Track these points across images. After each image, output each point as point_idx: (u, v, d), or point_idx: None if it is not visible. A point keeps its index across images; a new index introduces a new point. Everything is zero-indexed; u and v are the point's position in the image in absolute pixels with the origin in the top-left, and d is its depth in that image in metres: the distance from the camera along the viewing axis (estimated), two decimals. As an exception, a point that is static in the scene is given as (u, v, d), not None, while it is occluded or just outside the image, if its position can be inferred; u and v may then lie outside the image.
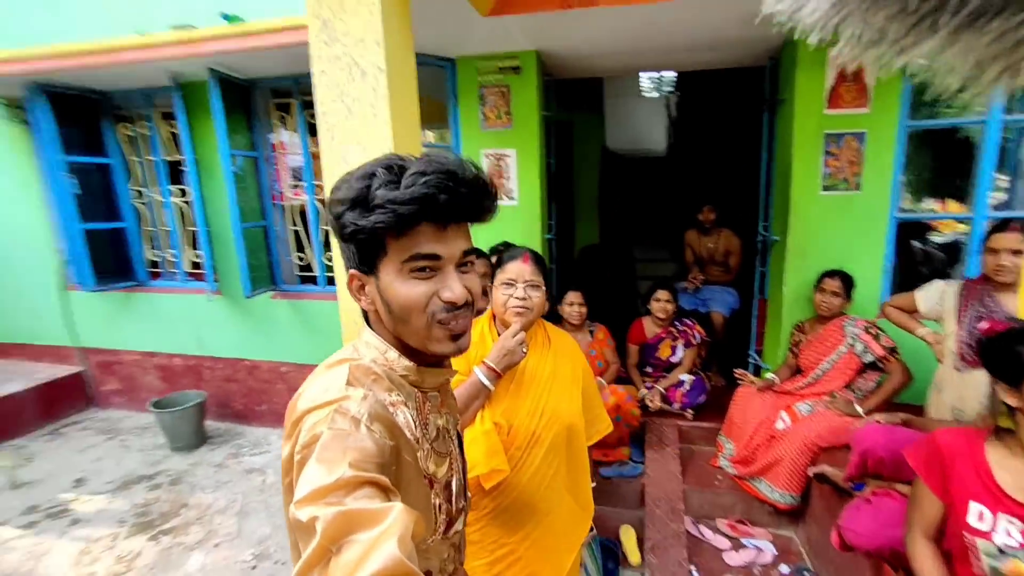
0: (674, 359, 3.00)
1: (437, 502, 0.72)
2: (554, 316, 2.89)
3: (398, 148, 1.34)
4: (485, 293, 1.50)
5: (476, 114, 2.87)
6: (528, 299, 1.32)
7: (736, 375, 2.62)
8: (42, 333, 4.10)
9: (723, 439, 2.73)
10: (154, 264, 3.82)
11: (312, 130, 3.19)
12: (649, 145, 8.36)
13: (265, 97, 3.24)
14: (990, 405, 1.31)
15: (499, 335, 1.39)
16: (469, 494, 0.87)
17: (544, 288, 1.37)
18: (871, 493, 1.67)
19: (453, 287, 0.66)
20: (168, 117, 3.45)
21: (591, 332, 2.91)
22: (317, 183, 3.24)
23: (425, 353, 0.70)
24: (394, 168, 0.62)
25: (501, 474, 1.29)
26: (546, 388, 1.36)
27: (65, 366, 4.06)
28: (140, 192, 3.70)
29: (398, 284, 0.65)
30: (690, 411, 2.92)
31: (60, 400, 3.92)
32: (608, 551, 2.30)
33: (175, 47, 2.62)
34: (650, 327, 3.08)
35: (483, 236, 2.95)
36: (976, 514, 1.17)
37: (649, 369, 3.12)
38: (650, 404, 2.88)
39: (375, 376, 0.67)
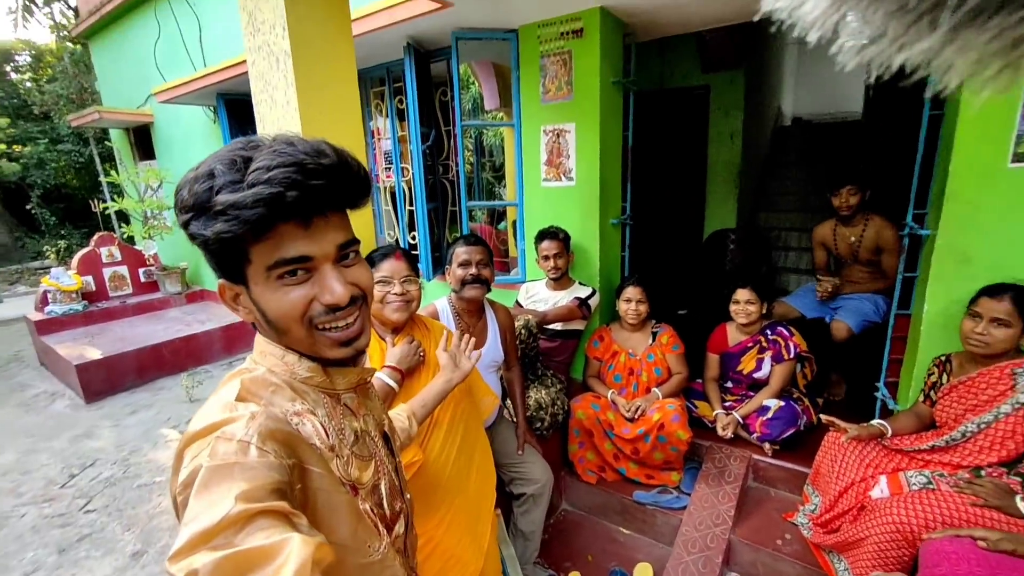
0: (758, 375, 2.41)
1: (366, 506, 0.67)
2: (614, 314, 2.58)
3: (310, 135, 1.31)
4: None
5: (537, 87, 2.65)
6: (407, 293, 1.37)
7: (824, 421, 1.97)
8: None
9: (810, 490, 2.12)
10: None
11: (400, 115, 3.37)
12: (841, 108, 6.81)
13: (366, 86, 3.51)
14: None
15: (377, 332, 1.43)
16: (408, 495, 0.81)
17: (419, 280, 1.42)
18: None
19: (333, 288, 0.59)
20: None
21: (654, 334, 2.52)
22: (403, 165, 3.42)
23: (316, 355, 0.65)
24: (237, 162, 0.54)
25: (415, 464, 1.32)
26: (434, 374, 1.38)
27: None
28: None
29: (268, 294, 0.59)
30: (769, 445, 2.33)
31: (239, 339, 5.02)
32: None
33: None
34: (734, 333, 2.52)
35: (536, 219, 2.77)
36: None
37: (730, 384, 2.57)
38: (721, 431, 2.38)
39: (274, 387, 0.61)
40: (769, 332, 2.42)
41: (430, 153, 3.09)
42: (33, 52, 12.24)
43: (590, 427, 2.42)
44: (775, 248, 4.73)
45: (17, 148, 10.79)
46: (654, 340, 2.52)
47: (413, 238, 3.49)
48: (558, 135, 2.62)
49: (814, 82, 6.70)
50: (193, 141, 5.28)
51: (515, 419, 2.09)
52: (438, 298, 1.96)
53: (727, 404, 2.54)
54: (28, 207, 11.81)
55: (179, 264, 6.03)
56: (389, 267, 1.39)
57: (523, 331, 2.30)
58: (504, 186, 7.78)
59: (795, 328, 2.44)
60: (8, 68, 12.24)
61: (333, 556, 0.47)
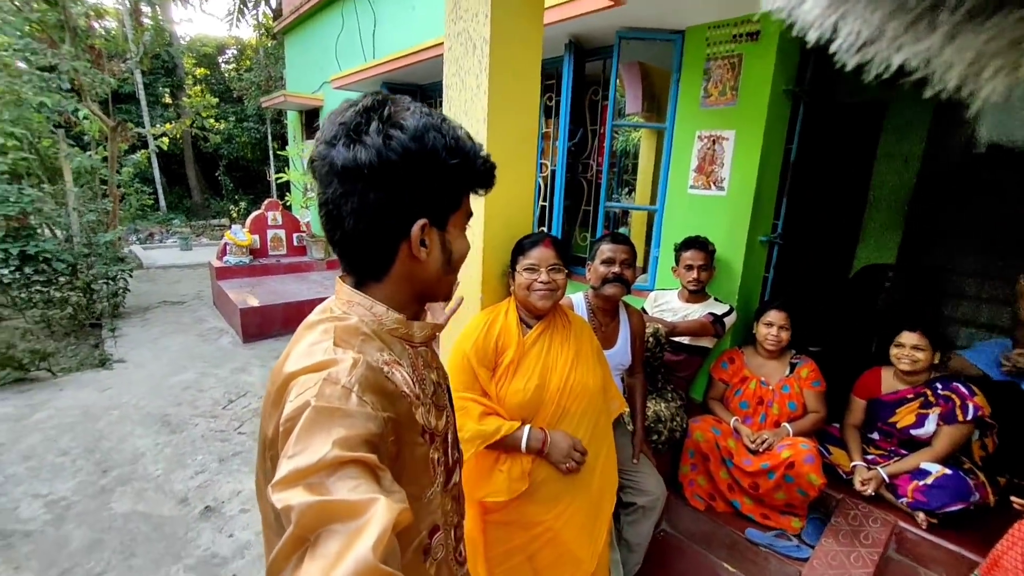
0: (917, 432, 2.10)
1: (436, 456, 0.72)
2: (749, 336, 2.41)
3: (493, 119, 1.39)
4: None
5: (698, 90, 2.54)
6: (552, 281, 1.39)
7: (1015, 504, 1.64)
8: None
9: (976, 579, 1.79)
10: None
11: (547, 112, 3.45)
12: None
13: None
14: None
15: (520, 318, 1.46)
16: (461, 447, 0.89)
17: (565, 271, 1.42)
18: None
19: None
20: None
21: (792, 365, 2.32)
22: (543, 161, 3.51)
23: (436, 298, 0.78)
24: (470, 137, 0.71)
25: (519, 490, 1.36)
26: (572, 366, 1.40)
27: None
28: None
29: (460, 237, 0.75)
30: (924, 516, 2.01)
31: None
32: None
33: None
34: (890, 380, 2.22)
35: (677, 227, 2.67)
36: None
37: (876, 436, 2.26)
38: (860, 486, 2.11)
39: (364, 336, 0.65)
40: (940, 386, 2.09)
41: (574, 151, 3.13)
42: (239, 47, 14.61)
43: (707, 451, 2.28)
44: (946, 294, 4.06)
45: (217, 124, 12.99)
46: (792, 372, 2.31)
47: (541, 233, 3.56)
48: (714, 141, 2.50)
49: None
50: (354, 126, 5.90)
51: (631, 426, 2.04)
52: (573, 293, 1.97)
53: (869, 457, 2.24)
54: (216, 174, 14.12)
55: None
56: (538, 255, 1.42)
57: (651, 339, 2.24)
58: (625, 191, 7.64)
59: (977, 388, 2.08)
60: (220, 60, 14.75)
61: (411, 519, 0.49)
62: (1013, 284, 2.42)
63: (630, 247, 1.79)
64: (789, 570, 2.00)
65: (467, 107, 1.43)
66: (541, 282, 1.38)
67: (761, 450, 2.16)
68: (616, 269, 1.75)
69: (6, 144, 4.15)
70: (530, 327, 1.45)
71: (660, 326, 2.31)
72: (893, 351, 2.13)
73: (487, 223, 1.51)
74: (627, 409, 1.94)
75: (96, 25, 6.48)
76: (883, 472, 2.10)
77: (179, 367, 4.12)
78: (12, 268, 4.22)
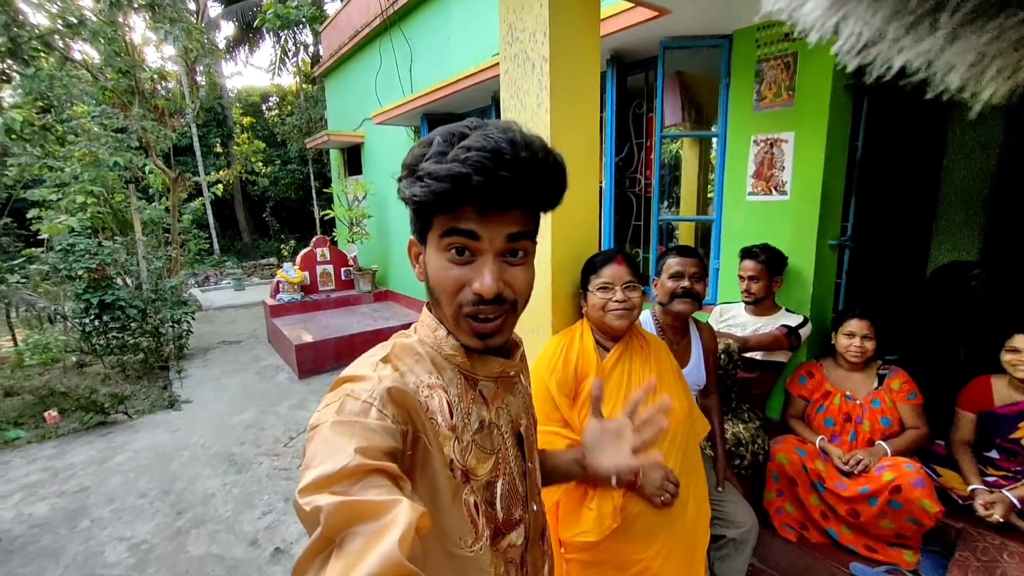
0: (1046, 451, 1.85)
1: (472, 500, 0.65)
2: (826, 347, 2.24)
3: (556, 137, 1.36)
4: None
5: (750, 94, 2.44)
6: (628, 300, 1.31)
7: None
8: (418, 288, 5.88)
9: None
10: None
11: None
12: None
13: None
14: None
15: (596, 342, 1.38)
16: (534, 506, 0.76)
17: (641, 288, 1.35)
18: None
19: (484, 277, 0.60)
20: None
21: (881, 377, 2.12)
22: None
23: (460, 336, 0.67)
24: (454, 137, 0.58)
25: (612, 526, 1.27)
26: (657, 390, 1.32)
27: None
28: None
29: (436, 262, 0.63)
30: (1071, 545, 1.75)
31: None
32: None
33: (482, 73, 3.29)
34: (1003, 390, 1.98)
35: (737, 235, 2.54)
36: None
37: (995, 455, 2.02)
38: (983, 511, 1.87)
39: (418, 356, 0.66)
40: (1066, 394, 1.85)
41: (621, 166, 3.07)
42: (280, 94, 15.54)
43: (793, 474, 2.10)
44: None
45: (264, 168, 13.77)
46: (881, 384, 2.11)
47: (612, 250, 3.49)
48: (772, 145, 2.38)
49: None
50: (394, 158, 6.09)
51: (711, 452, 1.90)
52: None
53: (990, 479, 1.99)
54: (263, 215, 14.87)
55: (371, 266, 6.96)
56: (611, 272, 1.36)
57: (723, 356, 2.10)
58: (666, 204, 7.50)
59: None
60: (264, 107, 15.72)
61: (430, 525, 0.49)
62: None
63: (699, 260, 1.70)
64: (907, 610, 1.78)
65: (527, 128, 1.40)
66: (617, 301, 1.31)
67: (856, 472, 1.97)
68: (685, 283, 1.66)
69: (86, 202, 4.51)
70: (607, 350, 1.38)
71: (731, 341, 2.17)
72: (1006, 357, 1.91)
73: (554, 244, 1.46)
74: (708, 430, 1.81)
75: (159, 87, 7.02)
76: (1010, 495, 1.85)
77: (240, 406, 4.23)
78: (92, 316, 4.51)
